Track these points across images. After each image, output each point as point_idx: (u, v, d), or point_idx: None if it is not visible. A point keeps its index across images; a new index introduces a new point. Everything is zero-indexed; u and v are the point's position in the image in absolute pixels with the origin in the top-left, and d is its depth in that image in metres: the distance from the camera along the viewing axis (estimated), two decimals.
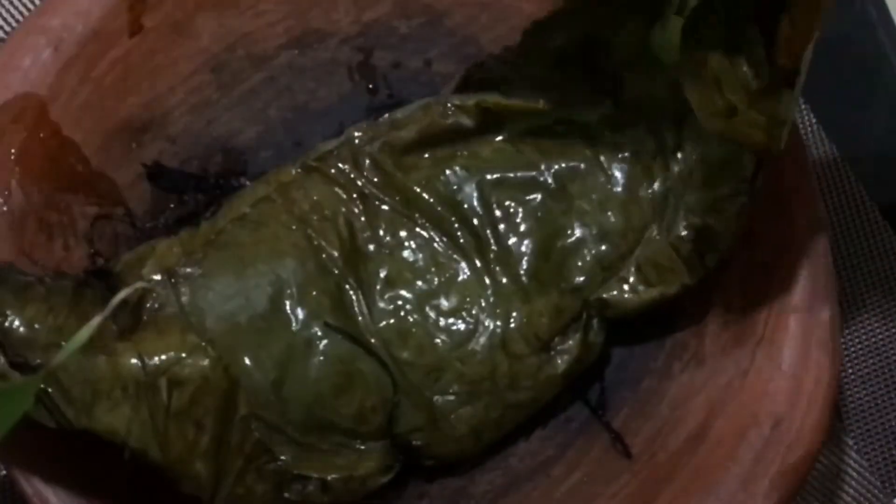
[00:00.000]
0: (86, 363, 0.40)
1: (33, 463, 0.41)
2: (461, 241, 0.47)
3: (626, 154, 0.47)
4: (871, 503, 0.55)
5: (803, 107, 0.61)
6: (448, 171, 0.47)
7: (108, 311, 0.31)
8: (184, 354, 0.41)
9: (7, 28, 0.53)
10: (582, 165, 0.47)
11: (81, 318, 0.41)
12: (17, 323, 0.41)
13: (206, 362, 0.41)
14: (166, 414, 0.40)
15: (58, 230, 0.46)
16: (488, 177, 0.47)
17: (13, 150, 0.45)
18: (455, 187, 0.47)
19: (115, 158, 0.47)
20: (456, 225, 0.47)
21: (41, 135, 0.46)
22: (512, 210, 0.47)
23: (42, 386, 0.38)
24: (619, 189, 0.47)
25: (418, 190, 0.47)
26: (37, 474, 0.41)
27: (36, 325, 0.41)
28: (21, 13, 0.54)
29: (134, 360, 0.40)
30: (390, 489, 0.45)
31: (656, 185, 0.46)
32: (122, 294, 0.33)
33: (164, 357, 0.41)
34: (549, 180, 0.47)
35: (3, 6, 0.53)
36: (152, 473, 0.42)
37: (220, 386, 0.41)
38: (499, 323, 0.46)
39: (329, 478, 0.43)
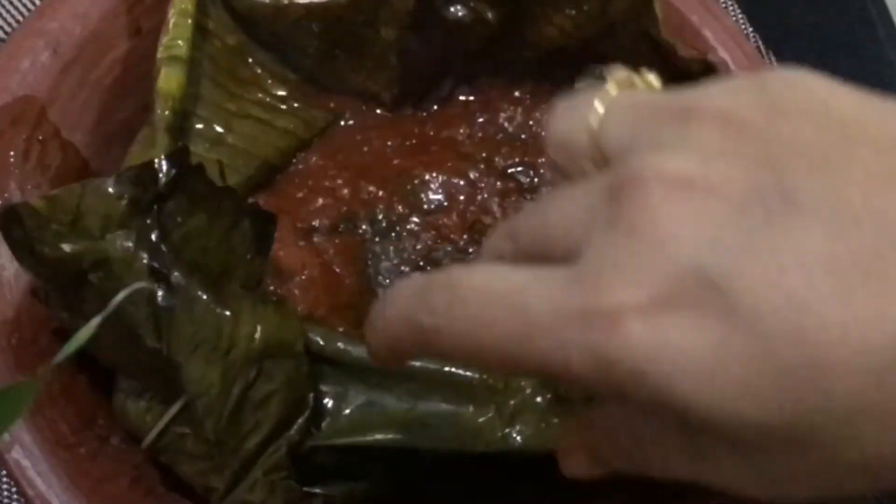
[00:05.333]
0: (214, 308, 0.40)
1: (35, 465, 0.41)
2: None
3: None
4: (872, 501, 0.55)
5: None
6: None
7: (108, 310, 0.31)
8: (287, 354, 0.41)
9: (7, 29, 0.53)
10: None
11: (229, 251, 0.41)
12: (177, 230, 0.40)
13: (297, 373, 0.41)
14: (243, 395, 0.40)
15: None
16: None
17: (12, 153, 0.45)
18: None
19: (115, 161, 0.47)
20: None
21: (40, 137, 0.46)
22: None
23: (173, 300, 0.39)
24: None
25: None
26: (39, 476, 0.41)
27: (190, 241, 0.40)
28: (21, 14, 0.54)
29: (248, 332, 0.40)
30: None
31: None
32: (122, 294, 0.33)
33: (271, 344, 0.41)
34: None
35: (4, 7, 0.53)
36: (161, 470, 0.42)
37: (292, 399, 0.41)
38: None
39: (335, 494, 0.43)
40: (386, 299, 0.31)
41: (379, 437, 0.41)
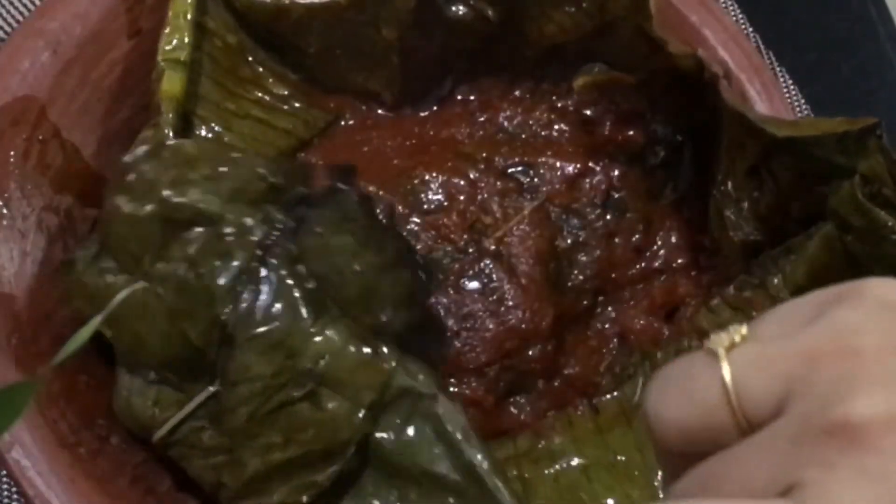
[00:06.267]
0: (301, 313, 0.40)
1: (35, 465, 0.41)
2: None
3: None
4: None
5: (804, 106, 0.61)
6: None
7: (106, 311, 0.30)
8: (348, 395, 0.41)
9: (7, 29, 0.53)
10: None
11: (371, 287, 0.42)
12: (313, 238, 0.41)
13: (346, 419, 0.41)
14: (284, 405, 0.40)
15: (57, 232, 0.46)
16: None
17: (12, 153, 0.45)
18: None
19: (115, 160, 0.47)
20: None
21: (40, 137, 0.46)
22: None
23: (263, 287, 0.39)
24: None
25: None
26: (39, 476, 0.41)
27: (326, 256, 0.41)
28: (21, 14, 0.54)
29: (317, 352, 0.40)
30: None
31: None
32: (121, 294, 0.33)
33: (335, 377, 0.40)
34: None
35: (4, 7, 0.53)
36: (161, 470, 0.42)
37: (331, 440, 0.41)
38: None
39: None
40: None
41: None
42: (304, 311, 0.40)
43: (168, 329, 0.40)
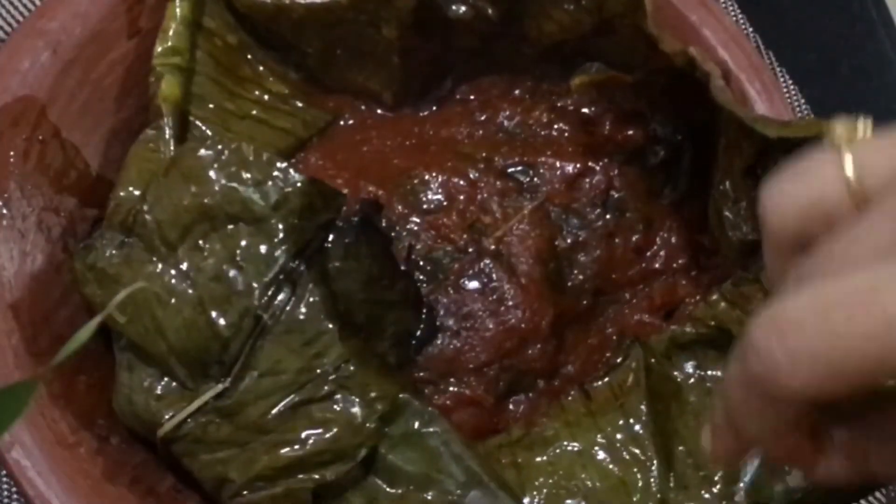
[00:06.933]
0: (329, 317, 0.42)
1: (35, 465, 0.41)
2: None
3: None
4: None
5: (804, 106, 0.61)
6: None
7: (107, 310, 0.31)
8: (364, 400, 0.42)
9: (7, 29, 0.53)
10: None
11: (377, 319, 0.44)
12: (338, 262, 0.43)
13: (359, 421, 0.41)
14: (305, 403, 0.41)
15: (57, 232, 0.46)
16: None
17: (12, 153, 0.45)
18: None
19: (115, 160, 0.47)
20: None
21: (40, 137, 0.46)
22: None
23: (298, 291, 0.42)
24: None
25: None
26: (39, 476, 0.41)
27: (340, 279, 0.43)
28: (21, 14, 0.54)
29: (341, 356, 0.42)
30: None
31: None
32: (122, 294, 0.33)
33: (353, 382, 0.42)
34: None
35: (4, 7, 0.53)
36: (161, 471, 0.42)
37: (344, 441, 0.41)
38: None
39: None
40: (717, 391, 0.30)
41: None
42: (334, 319, 0.42)
43: (193, 317, 0.41)
